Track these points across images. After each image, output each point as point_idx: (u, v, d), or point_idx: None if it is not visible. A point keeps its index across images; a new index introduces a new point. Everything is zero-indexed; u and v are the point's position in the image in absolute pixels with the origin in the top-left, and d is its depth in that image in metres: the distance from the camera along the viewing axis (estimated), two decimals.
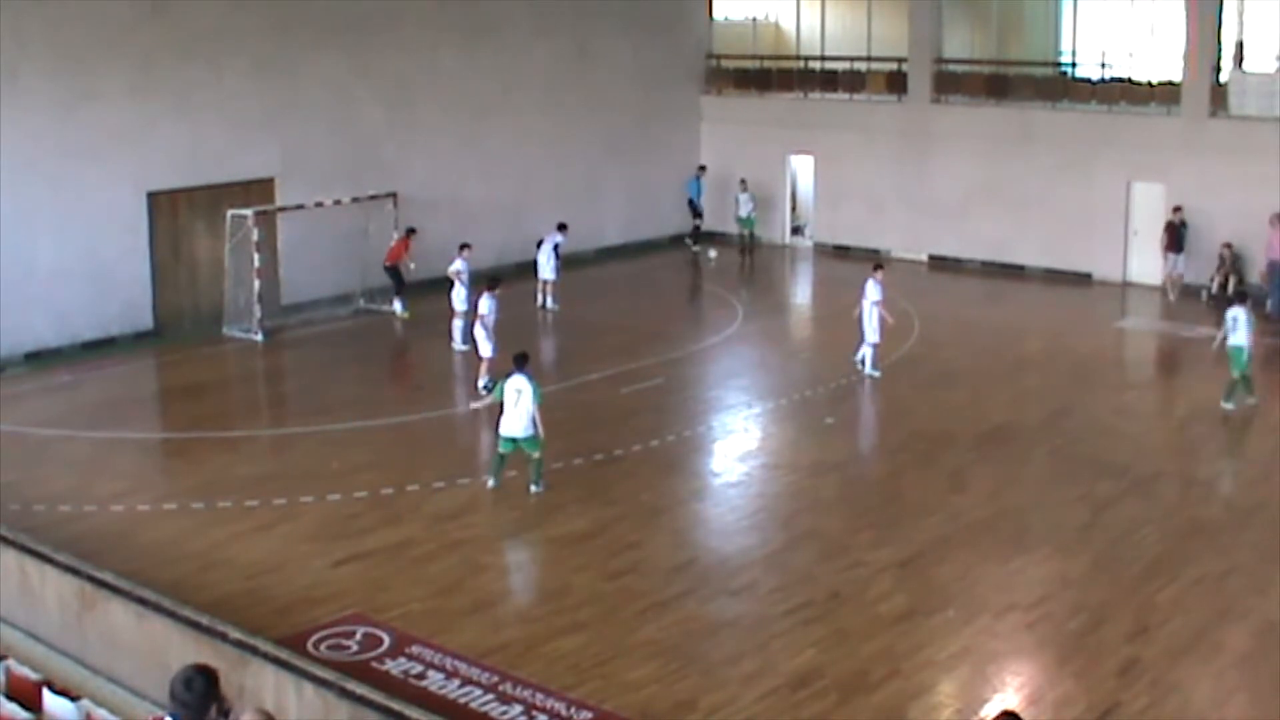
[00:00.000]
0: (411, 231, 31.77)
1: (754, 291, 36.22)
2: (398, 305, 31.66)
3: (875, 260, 26.05)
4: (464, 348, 28.06)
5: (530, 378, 20.26)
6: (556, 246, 33.22)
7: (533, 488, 20.39)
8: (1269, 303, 31.15)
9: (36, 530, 17.75)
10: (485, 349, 25.54)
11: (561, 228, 33.71)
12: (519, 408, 20.09)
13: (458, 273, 28.55)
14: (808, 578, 17.68)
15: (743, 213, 39.50)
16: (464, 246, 29.04)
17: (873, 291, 26.40)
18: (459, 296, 28.49)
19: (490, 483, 20.66)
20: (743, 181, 39.32)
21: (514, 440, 20.28)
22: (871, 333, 26.33)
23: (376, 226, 32.72)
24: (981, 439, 23.31)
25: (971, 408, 24.94)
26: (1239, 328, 24.11)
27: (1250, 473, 21.78)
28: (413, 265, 31.56)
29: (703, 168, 41.05)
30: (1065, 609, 16.75)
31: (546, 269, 33.09)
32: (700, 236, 40.55)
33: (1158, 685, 14.73)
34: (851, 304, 27.04)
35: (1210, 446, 23.47)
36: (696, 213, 40.76)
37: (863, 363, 26.45)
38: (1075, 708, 14.36)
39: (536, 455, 20.31)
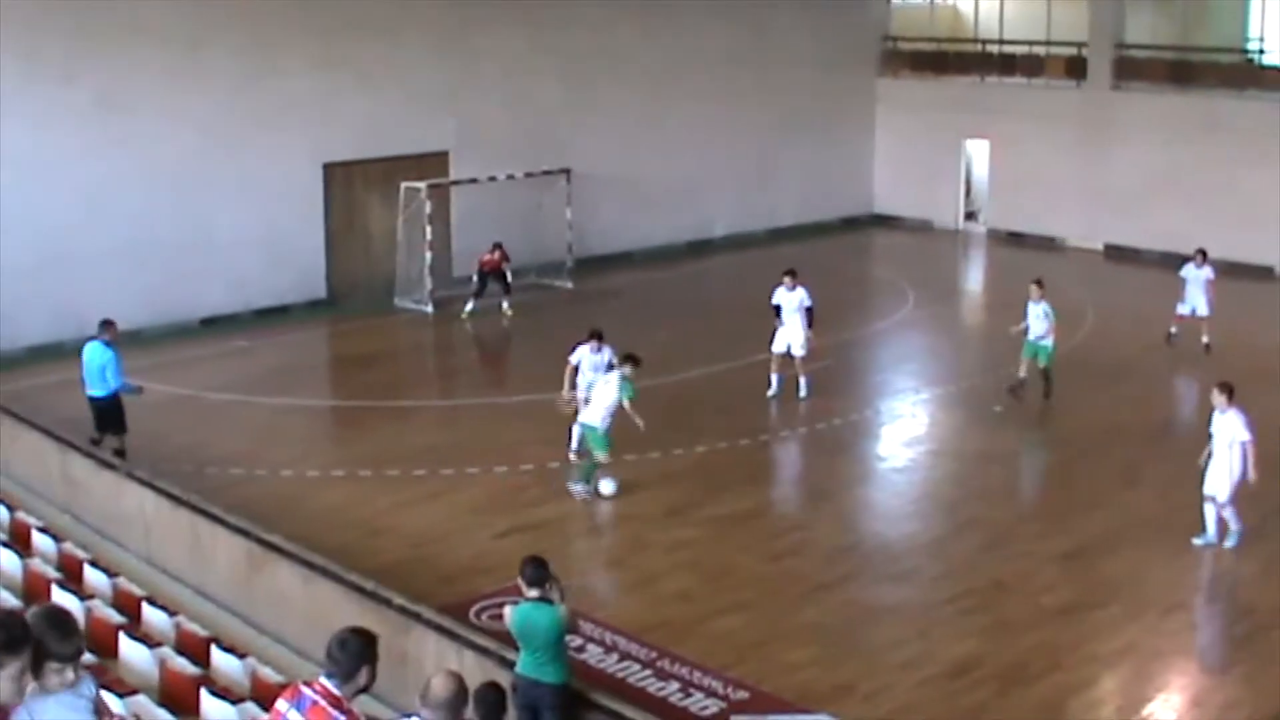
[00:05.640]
0: (499, 246, 30.56)
1: (925, 277, 35.86)
2: (505, 304, 30.62)
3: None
4: None
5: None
6: (809, 309, 24.24)
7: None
8: None
9: (208, 492, 18.08)
10: None
11: (789, 274, 24.65)
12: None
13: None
14: (971, 566, 17.52)
15: (1031, 333, 23.97)
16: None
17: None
18: None
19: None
20: (1037, 282, 24.18)
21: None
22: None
23: (549, 201, 32.88)
24: (1154, 434, 22.89)
25: (1145, 401, 24.52)
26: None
27: None
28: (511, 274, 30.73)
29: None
30: (1235, 610, 16.45)
31: (796, 342, 24.22)
32: None
33: None
34: (1024, 290, 26.28)
35: None
36: None
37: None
38: (1241, 711, 14.07)
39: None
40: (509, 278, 30.54)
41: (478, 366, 28.51)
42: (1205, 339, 27.11)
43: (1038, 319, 23.61)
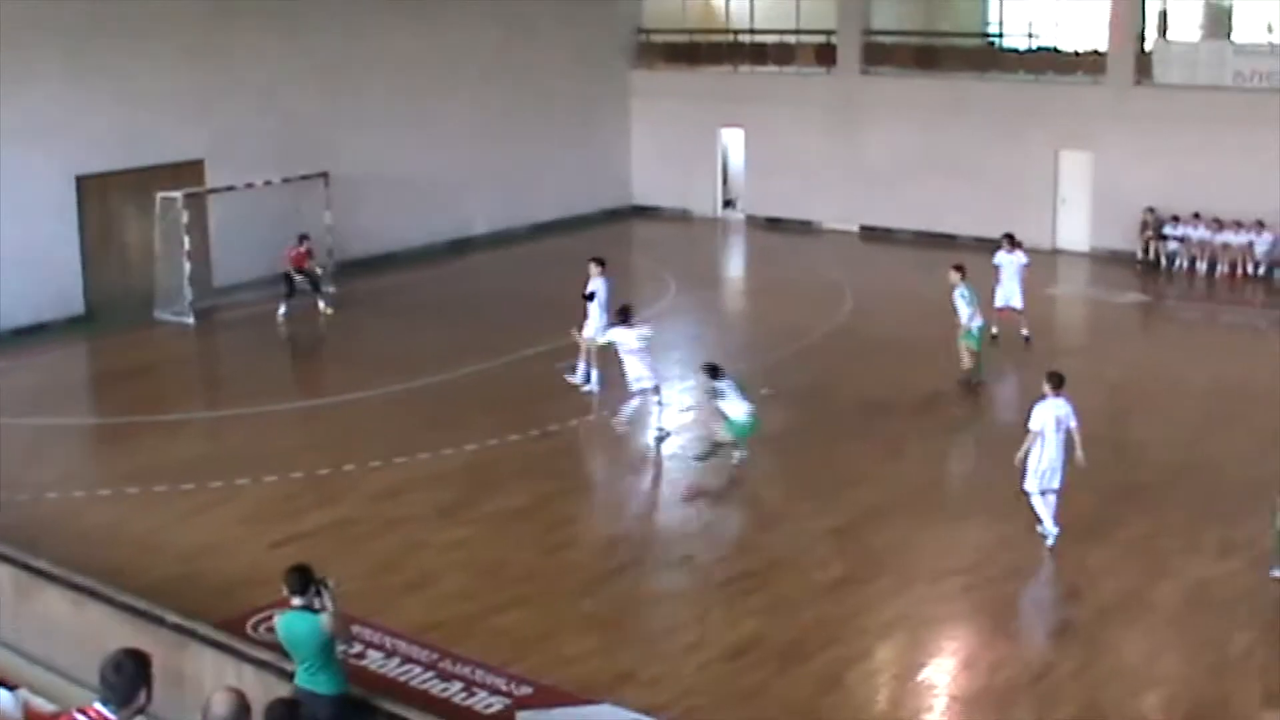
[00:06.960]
0: (305, 238, 30.47)
1: (686, 265, 36.21)
2: (321, 303, 30.52)
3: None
4: None
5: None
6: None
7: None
8: None
9: None
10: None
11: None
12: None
13: None
14: (746, 548, 17.82)
15: (965, 318, 24.36)
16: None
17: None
18: None
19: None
20: (955, 268, 24.72)
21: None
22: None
23: (308, 206, 32.52)
24: (916, 408, 23.46)
25: (906, 377, 25.05)
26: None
27: (1180, 436, 21.99)
28: (319, 269, 30.85)
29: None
30: (1000, 573, 16.94)
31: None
32: None
33: (1091, 646, 14.95)
34: (783, 274, 26.96)
35: (1141, 410, 23.66)
36: None
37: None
38: (1010, 669, 14.56)
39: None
40: (318, 273, 30.27)
41: (242, 376, 28.03)
42: (1025, 331, 26.72)
43: (961, 303, 23.88)
